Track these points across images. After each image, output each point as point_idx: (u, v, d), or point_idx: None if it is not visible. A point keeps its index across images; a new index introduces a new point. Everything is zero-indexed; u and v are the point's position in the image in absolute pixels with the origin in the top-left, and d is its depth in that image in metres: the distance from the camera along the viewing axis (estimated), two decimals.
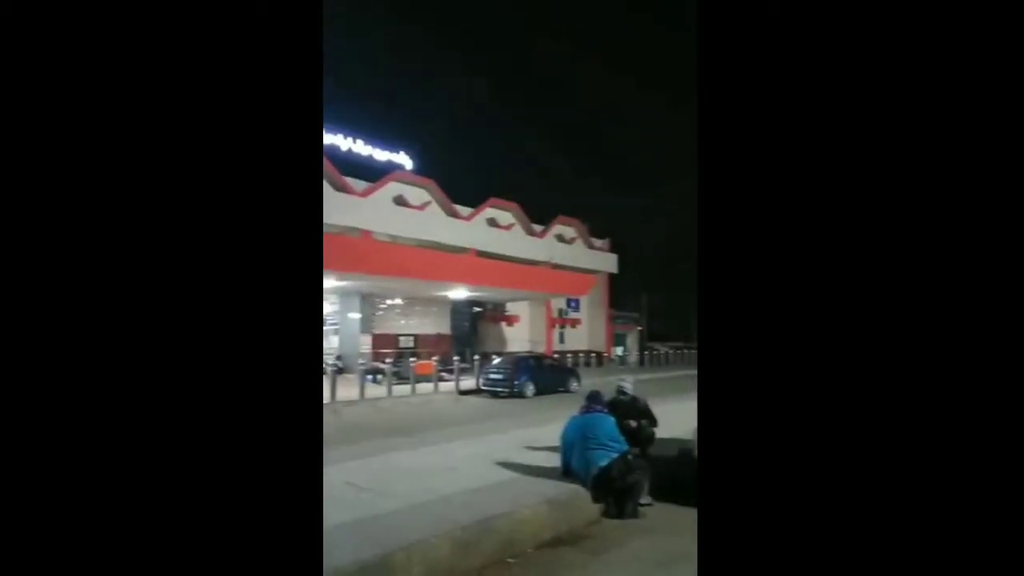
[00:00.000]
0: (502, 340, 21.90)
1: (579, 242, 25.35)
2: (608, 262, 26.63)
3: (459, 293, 17.13)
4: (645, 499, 3.82)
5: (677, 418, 5.79)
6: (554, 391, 11.54)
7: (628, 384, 4.51)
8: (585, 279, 21.72)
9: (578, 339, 25.22)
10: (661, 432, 4.94)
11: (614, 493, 3.73)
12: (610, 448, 3.84)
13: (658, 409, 5.12)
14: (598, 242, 26.77)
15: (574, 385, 11.98)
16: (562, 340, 24.25)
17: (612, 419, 4.06)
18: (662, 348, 28.04)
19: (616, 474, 3.73)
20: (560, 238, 24.48)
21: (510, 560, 3.03)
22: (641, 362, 24.53)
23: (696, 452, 4.28)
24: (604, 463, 3.76)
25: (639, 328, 32.25)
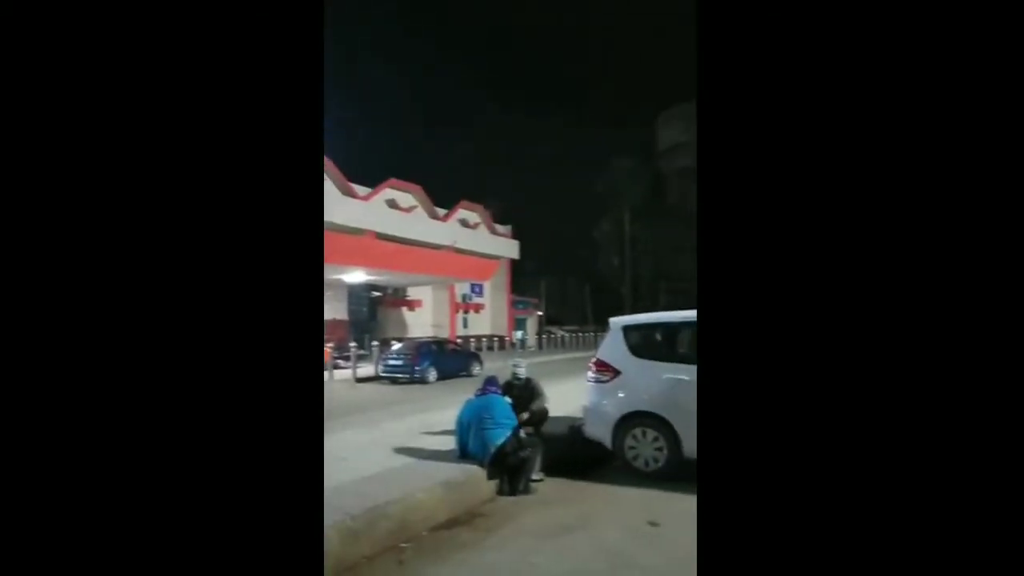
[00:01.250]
0: (403, 325, 21.45)
1: (482, 227, 25.43)
2: (510, 248, 27.05)
3: (356, 277, 16.45)
4: (537, 475, 3.97)
5: (568, 397, 6.07)
6: (457, 376, 11.56)
7: (522, 367, 4.66)
8: (489, 264, 21.89)
9: (481, 324, 25.45)
10: (553, 411, 5.16)
11: (508, 470, 3.84)
12: (505, 427, 3.94)
13: (551, 389, 5.33)
14: (501, 228, 27.06)
15: (477, 369, 12.08)
16: (465, 325, 24.32)
17: (506, 400, 4.17)
18: (559, 332, 29.21)
19: (510, 450, 3.84)
20: (464, 223, 24.39)
21: (404, 545, 3.00)
22: (540, 346, 25.36)
23: (584, 428, 4.53)
24: (500, 441, 3.85)
25: (538, 313, 33.25)
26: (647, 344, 4.38)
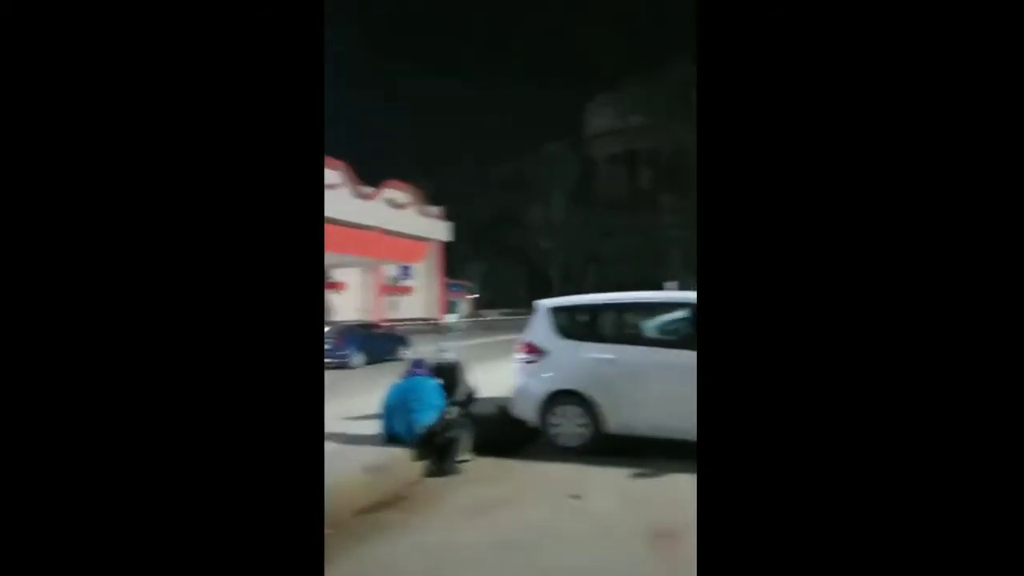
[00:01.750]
0: (328, 308, 20.68)
1: (412, 208, 24.88)
2: (442, 230, 26.70)
3: None
4: (465, 456, 4.02)
5: (497, 378, 6.16)
6: (384, 360, 11.34)
7: (448, 351, 4.68)
8: (418, 246, 21.51)
9: (412, 307, 25.05)
10: (482, 392, 5.22)
11: (435, 451, 3.85)
12: (433, 408, 3.94)
13: (481, 372, 5.37)
14: (432, 209, 26.61)
15: (405, 353, 11.92)
16: (395, 308, 23.85)
17: (434, 381, 4.16)
18: (493, 314, 29.41)
19: (437, 431, 3.85)
20: (392, 203, 23.72)
21: (327, 531, 2.94)
22: (473, 328, 25.44)
23: (512, 408, 4.62)
24: (427, 423, 3.85)
25: (473, 296, 33.26)
26: (572, 325, 4.52)
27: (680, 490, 3.45)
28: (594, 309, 4.66)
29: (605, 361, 4.21)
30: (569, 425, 4.26)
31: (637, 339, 4.61)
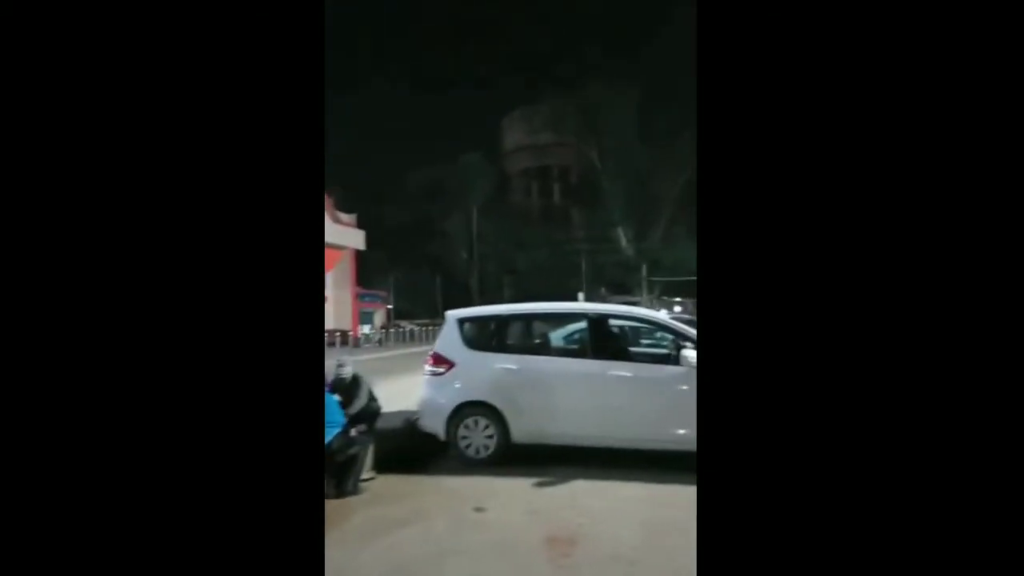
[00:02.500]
0: None
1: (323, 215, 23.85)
2: (355, 238, 25.81)
3: None
4: (368, 473, 3.87)
5: (404, 392, 6.03)
6: None
7: (347, 365, 4.51)
8: (330, 254, 20.61)
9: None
10: (388, 406, 5.07)
11: (334, 470, 3.68)
12: (332, 425, 3.75)
13: (392, 385, 5.22)
14: (345, 217, 25.67)
15: None
16: None
17: (333, 398, 3.98)
18: (408, 325, 28.77)
19: (336, 448, 3.68)
20: None
21: None
22: (387, 340, 24.72)
23: (419, 421, 4.54)
24: (325, 441, 3.66)
25: (388, 306, 32.35)
26: (480, 336, 4.54)
27: (583, 497, 3.56)
28: (502, 319, 4.72)
29: (512, 371, 4.26)
30: (477, 437, 4.25)
31: (544, 349, 4.73)
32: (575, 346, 4.65)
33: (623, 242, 26.39)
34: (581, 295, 18.28)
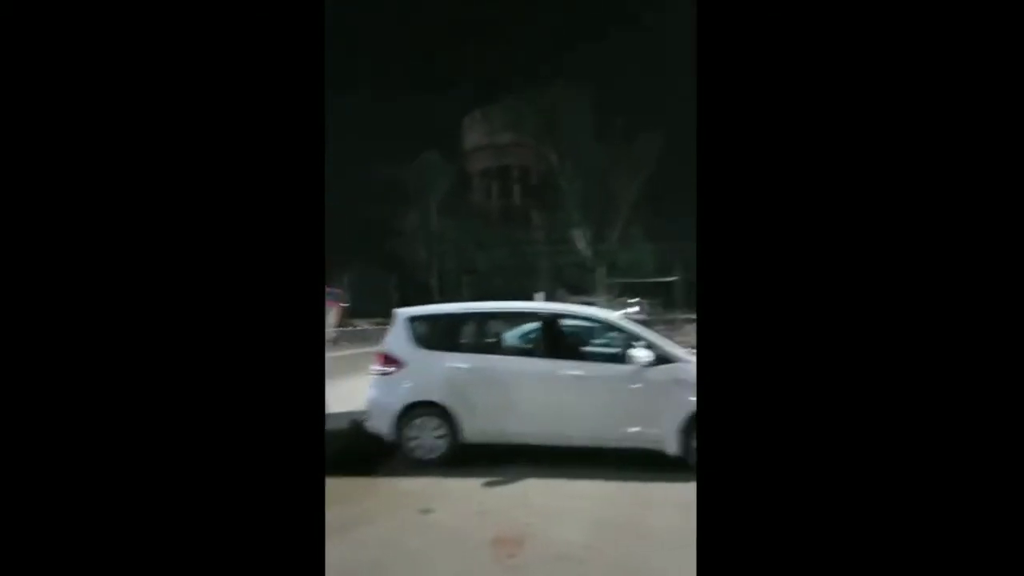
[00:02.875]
0: None
1: None
2: None
3: None
4: None
5: (354, 392, 5.87)
6: None
7: None
8: None
9: None
10: (336, 407, 4.91)
11: None
12: None
13: (340, 385, 5.06)
14: None
15: None
16: None
17: None
18: (363, 324, 28.16)
19: None
20: None
21: None
22: (341, 339, 24.09)
23: (367, 422, 4.42)
24: None
25: (342, 304, 31.54)
26: (431, 335, 4.46)
27: (533, 496, 3.55)
28: (453, 318, 4.65)
29: (464, 370, 4.21)
30: (426, 437, 4.17)
31: (496, 348, 4.69)
32: (527, 345, 4.64)
33: (581, 243, 26.74)
34: (539, 295, 18.37)
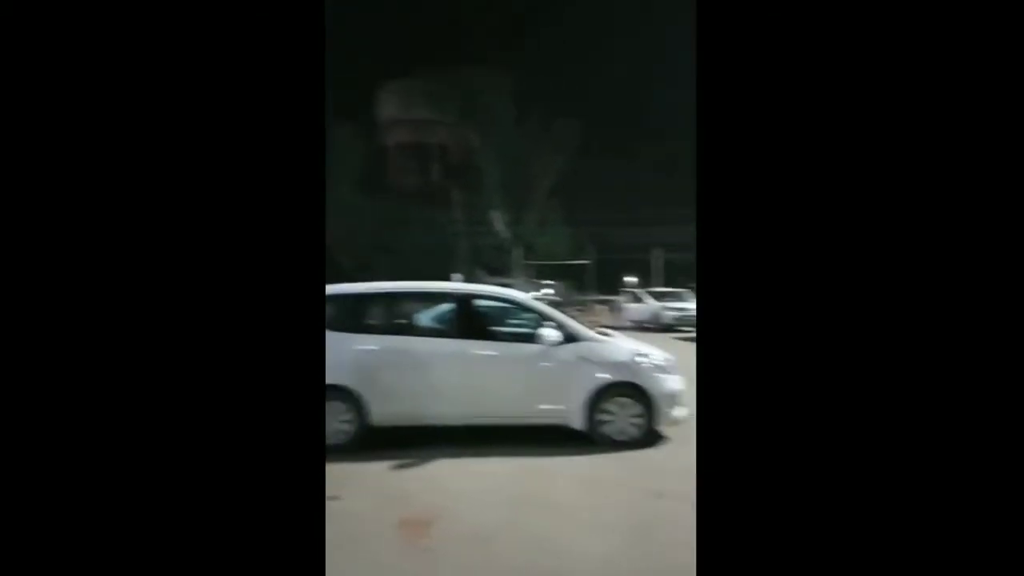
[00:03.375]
0: None
1: None
2: None
3: None
4: None
5: None
6: None
7: None
8: None
9: None
10: None
11: None
12: None
13: None
14: None
15: None
16: None
17: None
18: None
19: None
20: None
21: None
22: None
23: None
24: None
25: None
26: (337, 316, 4.25)
27: (444, 477, 3.53)
28: (361, 299, 4.47)
29: (372, 352, 4.08)
30: (332, 422, 4.01)
31: (407, 329, 4.58)
32: (440, 326, 4.57)
33: (500, 225, 26.84)
34: (457, 276, 18.26)
